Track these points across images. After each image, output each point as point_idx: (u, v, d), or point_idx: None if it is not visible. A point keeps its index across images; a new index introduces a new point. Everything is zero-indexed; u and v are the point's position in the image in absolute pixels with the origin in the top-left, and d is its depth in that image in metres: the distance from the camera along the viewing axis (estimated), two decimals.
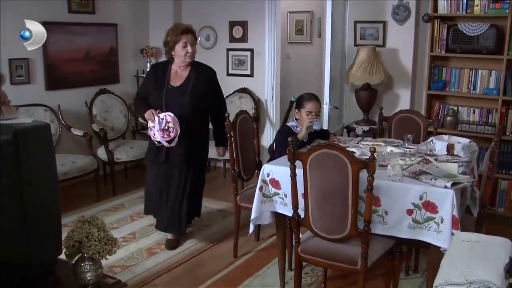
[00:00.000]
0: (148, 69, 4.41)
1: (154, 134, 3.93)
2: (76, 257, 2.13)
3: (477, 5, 4.80)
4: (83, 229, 2.05)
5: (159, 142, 3.95)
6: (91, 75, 6.09)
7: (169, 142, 3.94)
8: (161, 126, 3.87)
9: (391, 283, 3.35)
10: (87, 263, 2.10)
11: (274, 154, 3.95)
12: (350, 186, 2.84)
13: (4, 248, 1.97)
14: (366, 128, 5.35)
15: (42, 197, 2.08)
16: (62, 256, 2.26)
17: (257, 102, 6.22)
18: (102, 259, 2.09)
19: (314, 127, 3.87)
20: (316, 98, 3.93)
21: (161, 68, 4.20)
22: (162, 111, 3.96)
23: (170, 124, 3.90)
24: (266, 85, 6.24)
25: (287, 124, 4.09)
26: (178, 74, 4.12)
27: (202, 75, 4.13)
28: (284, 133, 3.86)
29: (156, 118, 3.89)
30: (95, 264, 2.11)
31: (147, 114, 3.95)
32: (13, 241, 2.01)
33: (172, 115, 3.92)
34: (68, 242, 2.09)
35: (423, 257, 3.78)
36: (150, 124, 3.94)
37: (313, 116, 3.82)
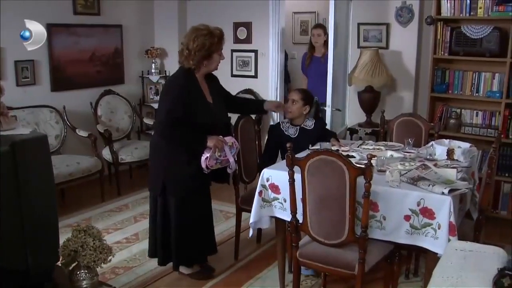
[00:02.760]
0: (176, 83, 3.56)
1: (217, 162, 3.49)
2: (72, 265, 2.17)
3: (480, 8, 4.75)
4: (79, 239, 2.09)
5: (208, 169, 3.49)
6: (96, 76, 6.14)
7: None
8: (231, 153, 3.53)
9: (390, 287, 3.38)
10: (82, 271, 2.14)
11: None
12: (348, 192, 2.86)
13: (2, 255, 2.02)
14: (369, 130, 5.35)
15: (39, 206, 2.13)
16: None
17: None
18: (97, 267, 2.13)
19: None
20: (299, 90, 4.23)
21: (192, 80, 3.55)
22: (211, 133, 3.46)
23: (238, 149, 3.59)
24: (270, 86, 6.27)
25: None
26: (203, 86, 3.61)
27: (215, 82, 3.81)
28: (272, 129, 4.24)
29: (226, 147, 3.48)
30: (91, 272, 2.16)
31: (218, 143, 3.46)
32: (11, 249, 2.05)
33: (233, 138, 3.63)
34: (64, 251, 2.13)
35: (424, 260, 3.78)
36: (217, 153, 3.45)
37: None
